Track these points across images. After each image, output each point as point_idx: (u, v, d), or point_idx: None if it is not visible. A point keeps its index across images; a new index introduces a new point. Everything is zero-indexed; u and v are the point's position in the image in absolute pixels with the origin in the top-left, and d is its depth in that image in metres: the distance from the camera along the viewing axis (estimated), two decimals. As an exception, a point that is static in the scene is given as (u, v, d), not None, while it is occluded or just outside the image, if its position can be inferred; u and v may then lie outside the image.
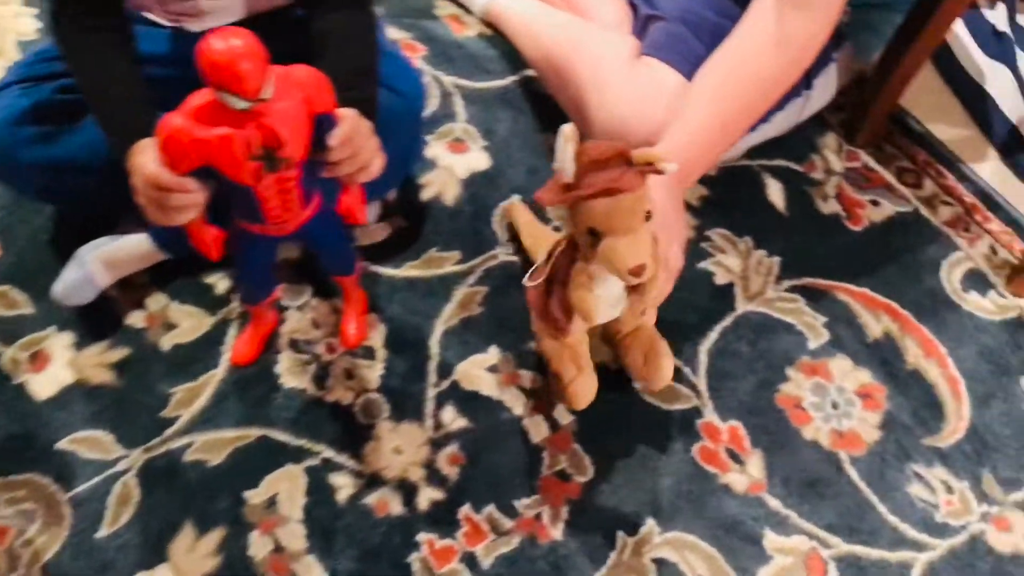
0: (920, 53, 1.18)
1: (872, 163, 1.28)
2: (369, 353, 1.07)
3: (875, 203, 1.24)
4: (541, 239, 1.09)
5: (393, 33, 1.34)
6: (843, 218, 1.23)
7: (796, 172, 1.26)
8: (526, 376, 1.06)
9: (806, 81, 1.13)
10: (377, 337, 1.08)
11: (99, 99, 0.88)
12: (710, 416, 1.05)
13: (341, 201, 0.86)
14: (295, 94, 0.74)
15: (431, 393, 1.05)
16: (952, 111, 1.36)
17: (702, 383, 1.07)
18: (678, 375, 1.07)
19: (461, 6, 1.38)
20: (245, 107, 0.69)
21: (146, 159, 0.76)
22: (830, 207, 1.23)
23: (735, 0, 1.09)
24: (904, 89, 1.25)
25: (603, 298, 0.87)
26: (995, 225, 1.23)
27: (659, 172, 0.77)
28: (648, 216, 0.79)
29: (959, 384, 1.10)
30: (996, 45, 1.40)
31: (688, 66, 1.05)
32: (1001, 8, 1.44)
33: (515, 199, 1.19)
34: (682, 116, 1.01)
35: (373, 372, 1.06)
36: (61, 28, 0.89)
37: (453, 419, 1.03)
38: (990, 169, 1.29)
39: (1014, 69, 1.37)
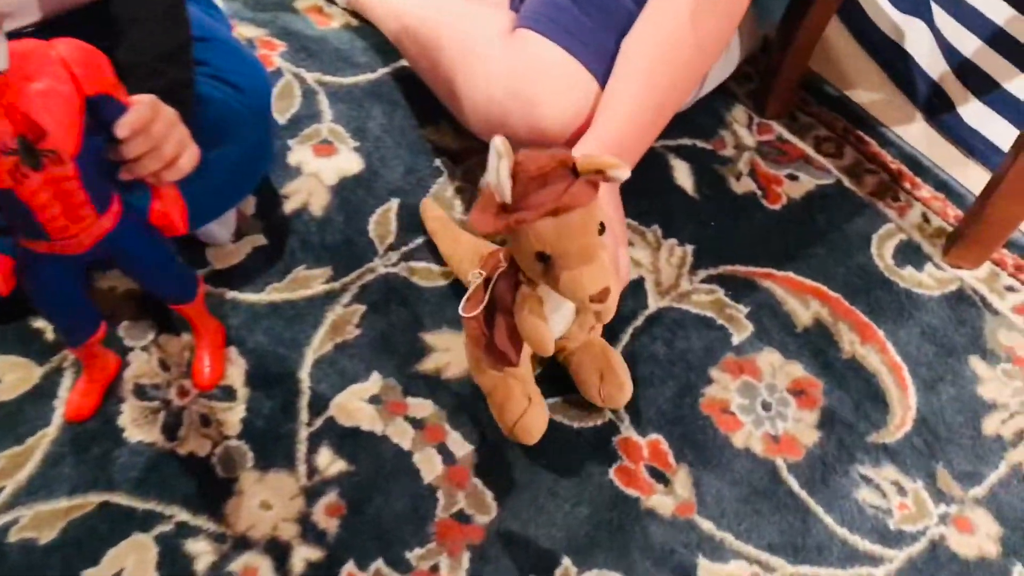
0: (823, 8, 1.07)
1: (787, 134, 1.17)
2: (228, 394, 0.92)
3: (793, 178, 1.12)
4: (461, 245, 0.96)
5: (247, 30, 1.19)
6: (759, 196, 1.11)
7: (704, 150, 1.14)
8: (415, 404, 0.92)
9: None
10: (237, 374, 0.93)
11: None
12: (627, 431, 0.92)
13: (153, 208, 0.72)
14: (57, 72, 0.60)
15: (303, 434, 0.90)
16: (869, 74, 1.25)
17: (616, 394, 0.94)
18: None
19: (323, -4, 1.24)
20: None
21: None
22: (744, 186, 1.11)
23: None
24: (811, 51, 1.13)
25: (555, 322, 0.77)
26: (925, 191, 1.12)
27: (609, 180, 0.67)
28: (602, 229, 0.69)
29: (902, 370, 0.98)
30: (909, 0, 1.30)
31: (569, 38, 0.92)
32: (910, -39, 1.34)
33: (426, 199, 1.05)
34: (612, 100, 0.91)
35: (233, 415, 0.91)
36: None
37: (330, 462, 0.88)
38: (915, 132, 1.18)
39: (930, 23, 1.27)
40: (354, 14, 1.22)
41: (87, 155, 0.64)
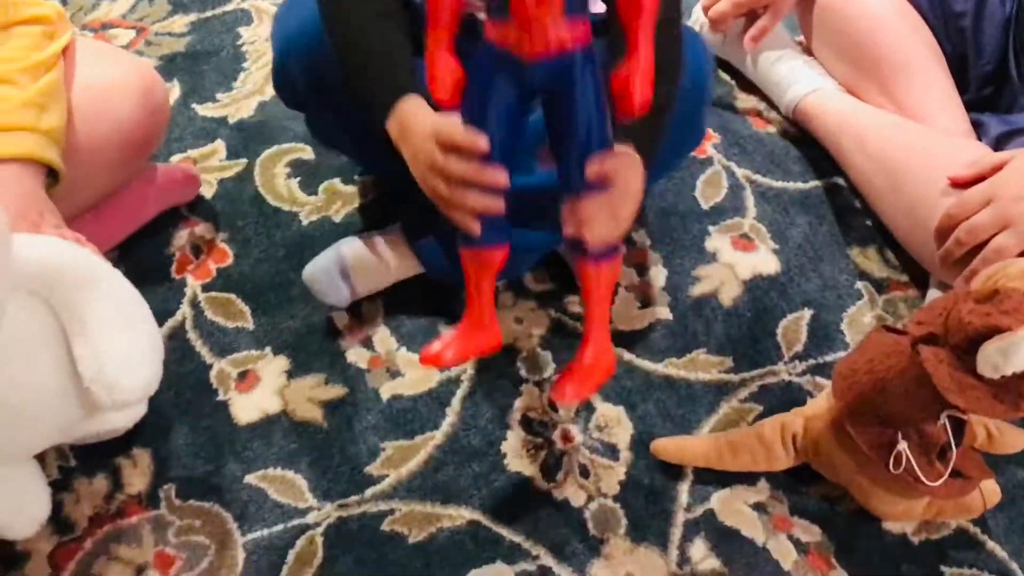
0: None
1: None
2: (611, 452, 0.90)
3: None
4: None
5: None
6: None
7: None
8: (801, 526, 0.86)
9: None
10: (623, 436, 0.91)
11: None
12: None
13: (623, 70, 0.63)
14: None
15: (680, 518, 0.86)
16: None
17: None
18: None
19: (766, 100, 1.23)
20: None
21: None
22: None
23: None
24: None
25: None
26: None
27: None
28: None
29: None
30: None
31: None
32: None
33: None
34: None
35: (613, 476, 0.88)
36: None
37: (703, 557, 0.84)
38: None
39: None
40: (794, 124, 1.20)
41: None
